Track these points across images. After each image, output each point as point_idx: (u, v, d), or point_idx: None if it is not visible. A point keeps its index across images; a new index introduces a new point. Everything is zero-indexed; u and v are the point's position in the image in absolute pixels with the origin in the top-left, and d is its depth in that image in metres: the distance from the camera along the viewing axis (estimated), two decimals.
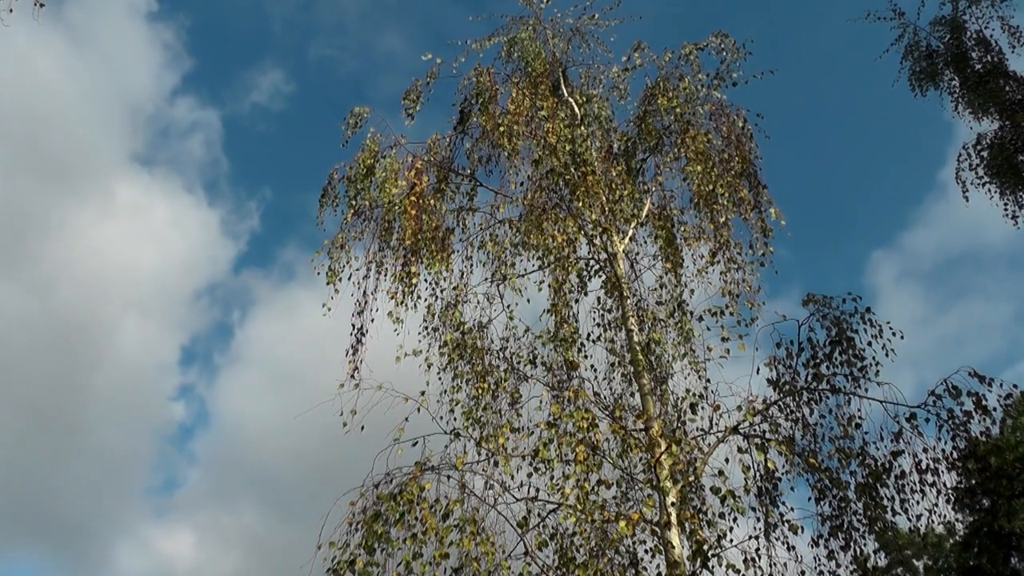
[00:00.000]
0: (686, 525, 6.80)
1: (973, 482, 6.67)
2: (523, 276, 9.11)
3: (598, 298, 9.58)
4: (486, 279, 9.47)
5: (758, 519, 7.04)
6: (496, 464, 7.10)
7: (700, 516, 7.15)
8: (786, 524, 6.94)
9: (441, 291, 9.37)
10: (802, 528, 6.90)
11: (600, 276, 9.34)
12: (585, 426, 6.66)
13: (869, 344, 7.34)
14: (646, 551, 7.56)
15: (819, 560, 7.04)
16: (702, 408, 7.82)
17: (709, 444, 7.41)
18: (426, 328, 9.20)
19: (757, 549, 7.08)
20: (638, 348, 8.36)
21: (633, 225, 9.41)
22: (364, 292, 9.48)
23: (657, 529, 6.96)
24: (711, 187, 8.94)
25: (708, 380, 8.91)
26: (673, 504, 6.95)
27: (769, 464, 6.84)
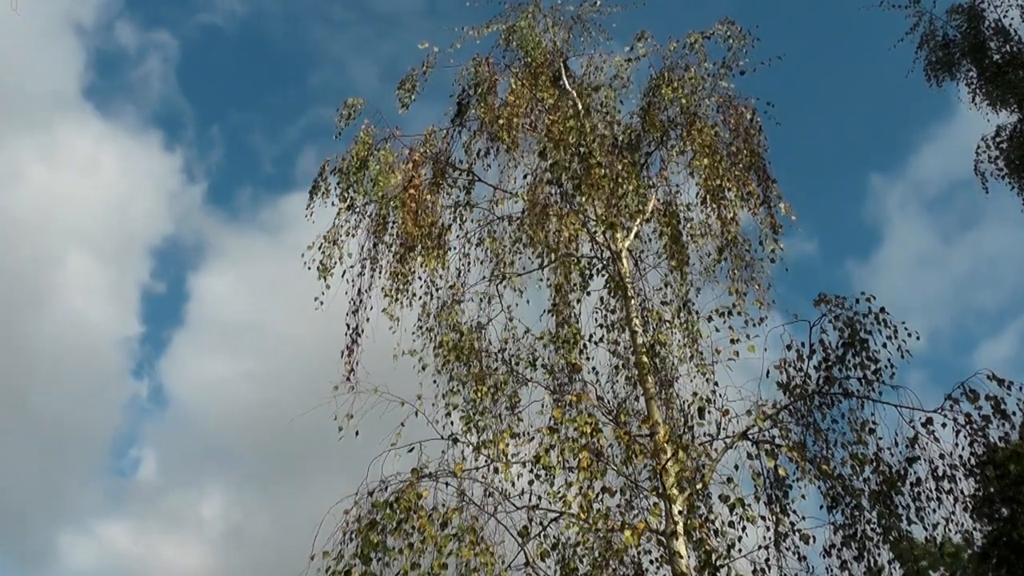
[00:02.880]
0: (693, 534, 6.84)
1: (992, 490, 6.71)
2: (523, 275, 9.16)
3: (601, 298, 9.63)
4: (484, 278, 9.52)
5: (768, 528, 7.08)
6: (496, 471, 7.12)
7: (708, 525, 7.19)
8: (797, 533, 6.98)
9: (437, 290, 9.42)
10: (814, 538, 6.94)
11: (603, 275, 9.39)
12: (588, 431, 6.69)
13: (884, 346, 7.37)
14: (652, 562, 7.58)
15: (831, 571, 7.07)
16: (709, 412, 7.85)
17: (717, 450, 7.45)
18: (421, 328, 9.24)
19: (767, 559, 7.12)
20: (643, 350, 8.40)
21: (638, 222, 9.44)
22: (358, 290, 9.53)
23: (663, 539, 7.00)
24: (718, 182, 8.98)
25: (716, 383, 8.94)
26: (680, 513, 7.00)
27: (780, 471, 6.88)
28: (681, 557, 6.82)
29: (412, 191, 9.45)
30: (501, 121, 9.42)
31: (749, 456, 7.02)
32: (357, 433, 7.37)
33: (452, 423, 8.17)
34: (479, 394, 8.23)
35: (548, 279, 9.58)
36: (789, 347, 7.59)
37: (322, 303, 9.38)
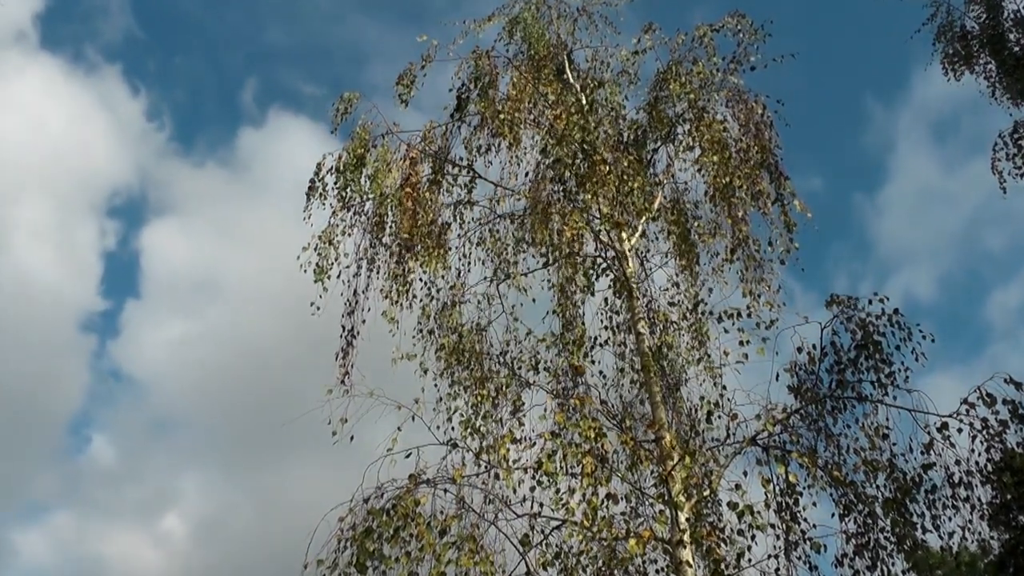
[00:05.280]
0: (701, 543, 6.83)
1: (1009, 497, 6.70)
2: (526, 275, 9.17)
3: (606, 299, 9.63)
4: (485, 278, 9.53)
5: (778, 536, 7.06)
6: (496, 477, 7.14)
7: (716, 533, 7.18)
8: (808, 542, 6.97)
9: (437, 291, 9.44)
10: (825, 546, 6.93)
11: (608, 275, 9.39)
12: (592, 436, 6.69)
13: (897, 348, 7.37)
14: (658, 571, 7.60)
15: None
16: (718, 417, 7.87)
17: (725, 456, 7.45)
18: (421, 331, 9.25)
19: (777, 569, 7.11)
20: (649, 352, 8.40)
21: (644, 220, 9.44)
22: (355, 291, 9.54)
23: (669, 548, 7.00)
24: (728, 179, 8.98)
25: (724, 387, 8.97)
26: (687, 520, 6.99)
27: (790, 477, 6.88)
28: (688, 566, 6.82)
29: (410, 189, 9.46)
30: (502, 116, 9.42)
31: (759, 462, 7.03)
32: (352, 438, 7.38)
33: (452, 428, 8.20)
34: (480, 398, 8.24)
35: (552, 279, 9.60)
36: (800, 349, 7.58)
37: (319, 308, 9.41)
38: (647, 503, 7.94)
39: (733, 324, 8.06)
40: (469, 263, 9.87)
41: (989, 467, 6.79)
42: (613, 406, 8.86)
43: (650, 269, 9.82)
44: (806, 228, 9.04)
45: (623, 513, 7.88)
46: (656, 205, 9.68)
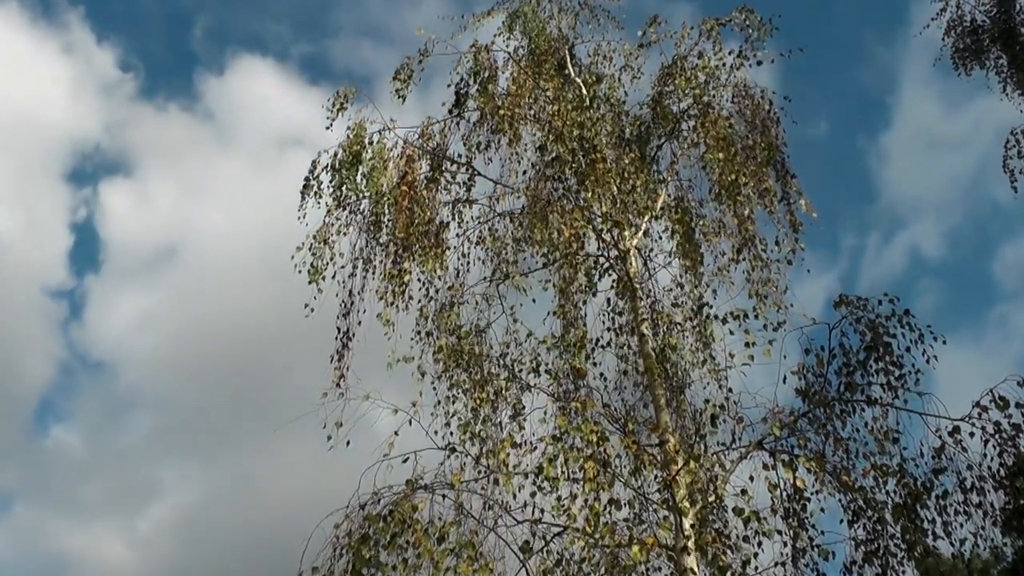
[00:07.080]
0: (706, 550, 6.81)
1: (1022, 502, 6.68)
2: (526, 275, 9.14)
3: (608, 299, 9.61)
4: (485, 278, 9.50)
5: (785, 543, 7.05)
6: (496, 482, 7.12)
7: (721, 540, 7.16)
8: (816, 549, 6.96)
9: (435, 291, 9.41)
10: (833, 553, 6.92)
11: (610, 275, 9.37)
12: (594, 440, 6.68)
13: (908, 350, 7.34)
14: None
15: None
16: (723, 420, 7.85)
17: (731, 460, 7.43)
18: (418, 333, 9.22)
19: None
20: (652, 354, 8.38)
21: (647, 219, 9.42)
22: (350, 292, 9.53)
23: (674, 554, 6.98)
24: (733, 177, 8.95)
25: (730, 390, 8.94)
26: (692, 527, 6.98)
27: (797, 482, 6.86)
28: (693, 574, 6.80)
29: (407, 187, 9.45)
30: (502, 112, 9.40)
31: (765, 467, 7.00)
32: (348, 443, 7.37)
33: (451, 432, 8.17)
34: (479, 401, 8.22)
35: (552, 280, 9.57)
36: (808, 351, 7.55)
37: (312, 309, 9.41)
38: (650, 509, 7.91)
39: (739, 325, 8.04)
40: (468, 263, 9.85)
41: (1002, 472, 6.77)
42: (616, 409, 8.83)
43: (653, 269, 9.81)
44: (812, 227, 9.04)
45: (626, 519, 7.84)
46: (659, 203, 9.65)
